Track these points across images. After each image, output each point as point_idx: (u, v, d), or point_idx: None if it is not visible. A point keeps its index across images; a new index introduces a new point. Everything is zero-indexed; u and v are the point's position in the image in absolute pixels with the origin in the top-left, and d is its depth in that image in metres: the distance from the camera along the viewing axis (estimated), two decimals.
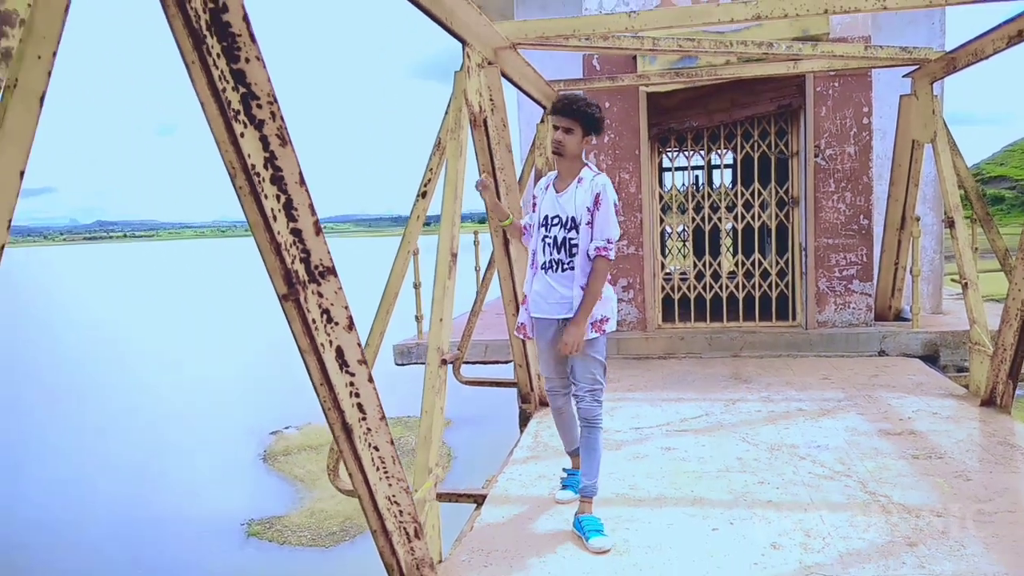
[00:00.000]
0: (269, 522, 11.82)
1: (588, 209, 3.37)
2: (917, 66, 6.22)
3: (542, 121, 6.76)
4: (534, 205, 3.62)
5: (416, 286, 7.48)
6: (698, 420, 5.34)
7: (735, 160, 7.85)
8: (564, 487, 3.99)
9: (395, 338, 7.74)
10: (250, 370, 23.65)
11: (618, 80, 7.12)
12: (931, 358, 7.10)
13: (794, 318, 7.79)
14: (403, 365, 7.75)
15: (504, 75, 4.84)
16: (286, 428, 16.42)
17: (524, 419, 6.55)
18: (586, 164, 3.52)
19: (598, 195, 3.36)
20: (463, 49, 4.12)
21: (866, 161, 7.36)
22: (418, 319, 7.84)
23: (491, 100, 4.51)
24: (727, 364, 7.17)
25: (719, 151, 7.91)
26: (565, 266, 3.44)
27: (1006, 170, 76.43)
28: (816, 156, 7.40)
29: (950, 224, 5.87)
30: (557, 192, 3.50)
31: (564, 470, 4.09)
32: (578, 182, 3.44)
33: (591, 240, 3.38)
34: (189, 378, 22.98)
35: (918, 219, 7.14)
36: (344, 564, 10.40)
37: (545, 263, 3.50)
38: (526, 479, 4.34)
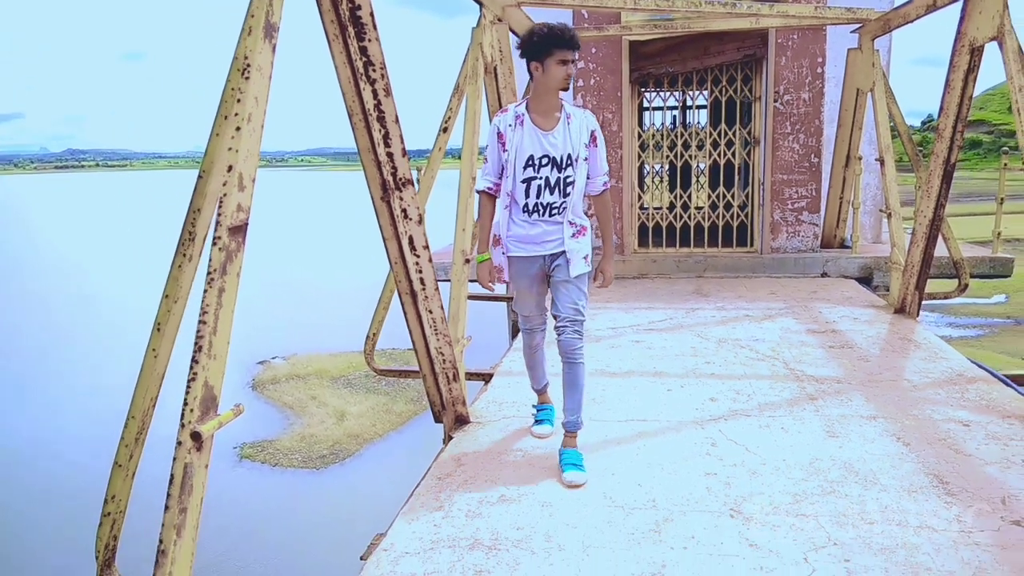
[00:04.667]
0: (261, 445, 12.27)
1: (586, 145, 3.31)
2: (861, 24, 7.18)
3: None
4: (502, 142, 3.32)
5: None
6: (663, 323, 6.47)
7: (707, 103, 8.82)
8: (539, 422, 3.91)
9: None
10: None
11: (604, 30, 8.01)
12: (866, 280, 8.27)
13: (751, 244, 8.90)
14: None
15: (510, 29, 5.75)
16: (273, 358, 16.69)
17: (517, 329, 7.66)
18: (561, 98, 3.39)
19: (594, 132, 3.34)
20: (480, 9, 5.04)
21: (818, 106, 8.38)
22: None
23: (500, 51, 5.44)
24: (691, 283, 8.30)
25: (692, 93, 8.85)
26: (555, 209, 3.33)
27: (984, 114, 76.92)
28: (775, 101, 8.39)
29: (881, 163, 6.93)
30: (542, 130, 3.27)
31: (533, 407, 4.00)
32: (567, 118, 3.29)
33: (594, 175, 3.41)
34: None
35: (861, 158, 8.21)
36: (334, 484, 11.07)
37: (531, 206, 3.33)
38: None
